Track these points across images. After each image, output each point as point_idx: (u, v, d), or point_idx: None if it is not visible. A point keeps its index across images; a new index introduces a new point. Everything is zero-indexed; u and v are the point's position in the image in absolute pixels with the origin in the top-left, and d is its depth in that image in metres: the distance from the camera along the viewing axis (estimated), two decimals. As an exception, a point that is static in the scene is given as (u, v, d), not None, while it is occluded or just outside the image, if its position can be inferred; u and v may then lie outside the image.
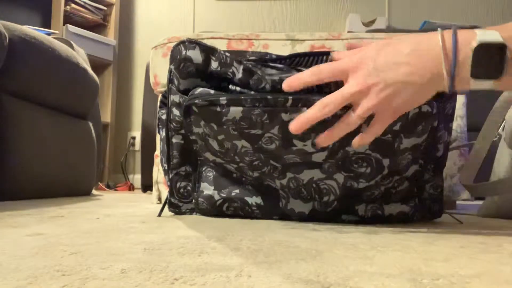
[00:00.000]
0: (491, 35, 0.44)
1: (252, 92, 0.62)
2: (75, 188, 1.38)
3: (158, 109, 0.75)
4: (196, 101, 0.61)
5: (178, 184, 0.70)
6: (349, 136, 0.58)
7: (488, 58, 0.44)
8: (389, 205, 0.64)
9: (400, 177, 0.62)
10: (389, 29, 2.46)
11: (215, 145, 0.63)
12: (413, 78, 0.46)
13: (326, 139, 0.54)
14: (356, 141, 0.54)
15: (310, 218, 0.65)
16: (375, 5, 2.72)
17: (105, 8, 2.68)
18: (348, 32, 2.35)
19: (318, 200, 0.63)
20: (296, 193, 0.63)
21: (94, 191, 1.74)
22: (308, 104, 0.58)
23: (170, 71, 0.68)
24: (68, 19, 2.49)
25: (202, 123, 0.62)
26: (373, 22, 2.57)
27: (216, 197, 0.67)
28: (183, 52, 0.66)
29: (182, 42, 0.66)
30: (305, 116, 0.52)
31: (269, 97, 0.58)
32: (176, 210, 0.71)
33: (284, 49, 1.01)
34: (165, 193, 1.03)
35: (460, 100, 1.01)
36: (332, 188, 0.62)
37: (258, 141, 0.60)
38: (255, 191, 0.66)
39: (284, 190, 0.64)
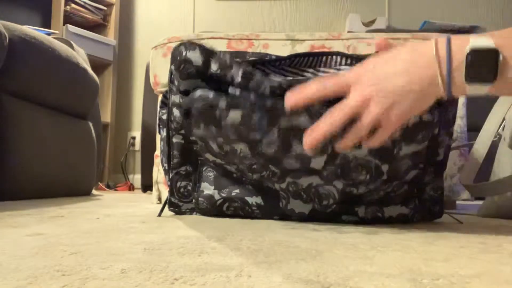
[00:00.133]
0: (483, 41, 0.46)
1: (252, 96, 0.62)
2: (75, 188, 1.38)
3: (158, 109, 0.75)
4: (196, 104, 0.60)
5: (178, 184, 0.70)
6: None
7: (482, 63, 0.45)
8: (389, 208, 0.64)
9: (399, 182, 0.62)
10: (389, 29, 2.46)
11: (215, 147, 0.63)
12: (411, 87, 0.47)
13: (340, 147, 0.55)
14: (364, 144, 0.55)
15: (310, 218, 0.64)
16: (375, 5, 2.72)
17: (105, 8, 2.68)
18: (348, 32, 2.35)
19: (317, 203, 0.63)
20: (296, 195, 0.63)
21: (94, 191, 1.74)
22: (308, 110, 0.57)
23: (170, 72, 0.68)
24: (68, 19, 2.49)
25: (202, 125, 0.62)
26: (373, 22, 2.57)
27: (216, 196, 0.67)
28: (184, 53, 0.66)
29: (183, 43, 0.66)
30: (316, 130, 0.53)
31: (268, 102, 0.58)
32: (176, 209, 0.71)
33: (284, 49, 1.01)
34: (165, 193, 1.03)
35: (460, 100, 1.01)
36: (331, 193, 0.62)
37: (257, 145, 0.60)
38: (255, 191, 0.66)
39: (284, 192, 0.64)
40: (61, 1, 2.44)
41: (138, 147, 2.71)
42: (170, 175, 0.70)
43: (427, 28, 2.32)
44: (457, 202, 1.54)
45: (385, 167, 0.59)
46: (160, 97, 1.01)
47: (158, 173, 1.05)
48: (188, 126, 0.64)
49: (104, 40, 2.59)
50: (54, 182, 1.26)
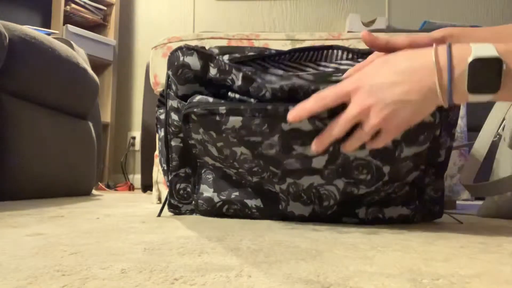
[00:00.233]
0: (486, 49, 0.44)
1: (252, 100, 0.62)
2: (75, 188, 1.38)
3: (156, 108, 0.75)
4: (195, 109, 0.60)
5: (177, 186, 0.70)
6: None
7: (485, 73, 0.44)
8: (389, 208, 0.64)
9: (400, 183, 0.62)
10: (389, 29, 2.46)
11: (214, 151, 0.63)
12: (410, 97, 0.47)
13: (345, 149, 0.55)
14: (367, 146, 0.55)
15: (310, 220, 0.64)
16: (375, 5, 2.72)
17: (105, 8, 2.68)
18: (348, 32, 2.35)
19: (318, 204, 0.63)
20: (296, 197, 0.63)
21: (94, 191, 1.74)
22: None
23: (168, 77, 0.68)
24: (68, 19, 2.49)
25: (201, 130, 0.61)
26: (373, 22, 2.57)
27: (216, 199, 0.67)
28: (181, 58, 0.65)
29: (180, 48, 0.65)
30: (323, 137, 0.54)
31: (269, 107, 0.57)
32: (176, 211, 0.71)
33: (284, 49, 1.01)
34: (165, 193, 1.03)
35: (460, 100, 1.01)
36: (332, 194, 0.61)
37: (257, 147, 0.60)
38: (254, 194, 0.66)
39: (283, 193, 0.64)
40: (61, 1, 2.44)
41: (138, 147, 2.71)
42: (169, 177, 0.70)
43: (427, 28, 2.32)
44: (457, 202, 1.53)
45: (386, 169, 0.59)
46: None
47: (158, 173, 1.05)
48: (187, 131, 0.64)
49: (104, 40, 2.59)
50: (54, 182, 1.26)
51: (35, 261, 0.32)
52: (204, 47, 0.67)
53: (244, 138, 0.59)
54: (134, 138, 2.78)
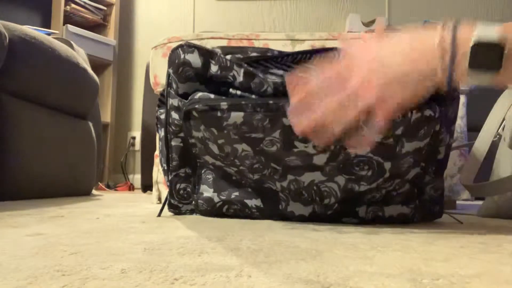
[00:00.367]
0: (489, 32, 0.45)
1: (253, 96, 0.62)
2: (75, 188, 1.38)
3: (156, 108, 0.75)
4: (196, 106, 0.60)
5: (177, 186, 0.70)
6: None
7: (486, 55, 0.45)
8: (390, 207, 0.64)
9: (401, 180, 0.62)
10: (389, 29, 2.46)
11: (215, 149, 0.63)
12: (411, 77, 0.47)
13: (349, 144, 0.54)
14: (360, 144, 0.53)
15: (310, 220, 0.64)
16: (375, 5, 2.72)
17: (105, 8, 2.68)
18: (348, 32, 2.35)
19: (318, 202, 0.63)
20: (297, 195, 0.63)
21: (94, 191, 1.74)
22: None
23: (168, 75, 0.68)
24: (68, 19, 2.49)
25: (202, 127, 0.61)
26: (373, 22, 2.57)
27: (216, 199, 0.67)
28: (182, 56, 0.65)
29: (181, 46, 0.65)
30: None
31: (270, 102, 0.58)
32: (176, 211, 0.71)
33: (284, 49, 1.01)
34: (165, 193, 1.03)
35: (460, 100, 1.01)
36: (333, 191, 0.62)
37: (259, 144, 0.60)
38: (254, 194, 0.66)
39: (284, 192, 0.64)
40: (61, 1, 2.44)
41: (138, 147, 2.71)
42: (169, 177, 0.70)
43: (427, 28, 2.31)
44: (457, 202, 1.53)
45: (387, 165, 0.59)
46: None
47: (158, 173, 1.05)
48: (188, 129, 0.64)
49: (104, 40, 2.59)
50: (54, 182, 1.26)
51: (35, 261, 0.32)
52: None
53: (245, 134, 0.59)
54: (134, 138, 2.78)
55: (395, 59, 0.48)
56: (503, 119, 0.80)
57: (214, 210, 0.67)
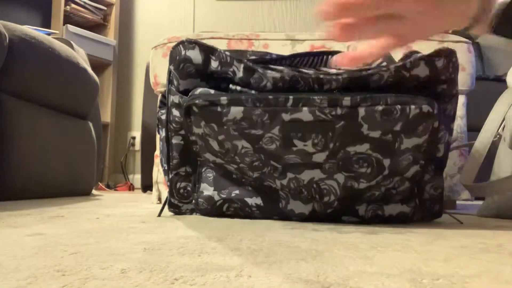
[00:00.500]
0: None
1: (253, 92, 0.62)
2: (75, 188, 1.38)
3: (158, 109, 0.75)
4: (197, 101, 0.61)
5: (178, 185, 0.70)
6: (349, 136, 0.58)
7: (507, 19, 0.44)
8: (389, 206, 0.64)
9: (400, 178, 0.62)
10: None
11: (215, 145, 0.63)
12: None
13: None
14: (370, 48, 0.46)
15: (310, 219, 0.64)
16: (375, 5, 2.71)
17: (105, 8, 2.68)
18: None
19: (318, 200, 0.63)
20: (296, 193, 0.63)
21: (94, 191, 1.74)
22: (309, 104, 0.58)
23: (169, 72, 0.68)
24: (68, 19, 2.49)
25: (203, 123, 0.62)
26: (373, 22, 2.57)
27: (216, 197, 0.67)
28: (183, 53, 0.66)
29: (182, 42, 0.66)
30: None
31: (270, 97, 0.58)
32: (176, 210, 0.71)
33: (284, 49, 1.01)
34: (165, 193, 1.03)
35: (460, 100, 1.01)
36: (332, 189, 0.62)
37: (258, 141, 0.60)
38: (255, 192, 0.66)
39: (284, 190, 0.64)
40: (61, 1, 2.44)
41: (138, 147, 2.71)
42: (170, 176, 0.70)
43: (427, 28, 2.31)
44: (457, 202, 1.53)
45: (386, 162, 0.60)
46: (159, 97, 1.01)
47: (158, 173, 1.05)
48: (189, 125, 0.64)
49: (104, 40, 2.59)
50: (54, 182, 1.26)
51: (35, 261, 0.32)
52: None
53: (245, 131, 0.59)
54: (134, 138, 2.78)
55: None
56: (503, 119, 0.80)
57: (214, 209, 0.67)
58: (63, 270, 0.29)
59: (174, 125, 0.68)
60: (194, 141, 0.66)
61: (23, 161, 1.12)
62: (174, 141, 0.69)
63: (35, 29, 1.57)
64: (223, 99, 0.59)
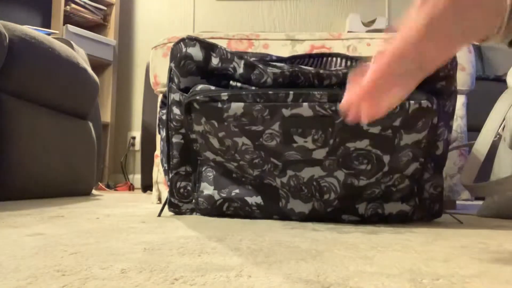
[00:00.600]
0: None
1: (253, 88, 0.63)
2: (75, 188, 1.38)
3: (158, 109, 0.75)
4: (197, 97, 0.61)
5: (178, 184, 0.70)
6: (349, 132, 0.59)
7: None
8: (389, 204, 0.64)
9: (400, 175, 0.63)
10: (389, 29, 2.46)
11: (215, 143, 0.63)
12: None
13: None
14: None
15: (310, 218, 0.65)
16: (375, 5, 2.72)
17: (105, 8, 2.68)
18: (348, 32, 2.35)
19: (318, 198, 0.63)
20: (296, 192, 0.63)
21: (94, 191, 1.74)
22: (309, 99, 0.58)
23: (170, 70, 0.68)
24: (68, 19, 2.49)
25: (203, 120, 0.62)
26: (373, 22, 2.57)
27: (216, 197, 0.67)
28: (183, 50, 0.66)
29: (182, 39, 0.66)
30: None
31: (270, 92, 0.58)
32: (176, 210, 0.71)
33: (284, 49, 1.01)
34: (165, 193, 1.03)
35: (460, 100, 1.01)
36: (332, 186, 0.62)
37: (258, 138, 0.60)
38: (255, 191, 0.66)
39: (284, 189, 0.64)
40: (61, 1, 2.44)
41: (138, 147, 2.71)
42: (170, 176, 0.70)
43: (427, 28, 2.31)
44: (457, 202, 1.53)
45: (386, 158, 0.60)
46: (160, 97, 1.01)
47: (158, 173, 1.05)
48: (189, 123, 0.64)
49: (104, 40, 2.59)
50: (54, 182, 1.26)
51: (35, 261, 0.32)
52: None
53: (245, 127, 0.60)
54: (134, 138, 2.77)
55: None
56: (503, 119, 0.80)
57: (214, 208, 0.67)
58: (63, 270, 0.29)
59: (174, 123, 0.68)
60: (194, 139, 0.67)
61: (23, 161, 1.12)
62: (174, 140, 0.69)
63: (35, 29, 1.57)
64: (224, 95, 0.60)
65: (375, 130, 0.58)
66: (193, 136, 0.66)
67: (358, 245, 0.42)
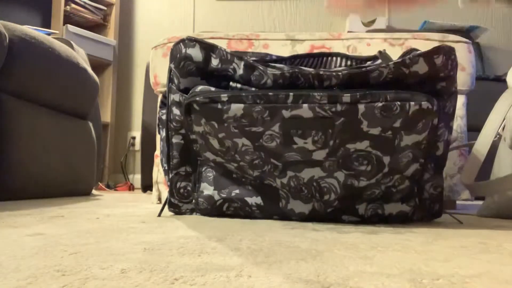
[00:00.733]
0: None
1: (253, 89, 0.63)
2: (75, 188, 1.38)
3: (158, 109, 0.75)
4: (197, 98, 0.61)
5: (178, 184, 0.70)
6: (349, 133, 0.58)
7: None
8: (389, 205, 0.64)
9: (400, 176, 0.63)
10: (389, 29, 2.46)
11: (215, 143, 0.63)
12: None
13: None
14: None
15: (310, 218, 0.65)
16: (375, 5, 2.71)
17: (105, 8, 2.68)
18: (348, 32, 2.35)
19: (318, 199, 0.63)
20: (296, 192, 0.63)
21: (94, 191, 1.74)
22: (309, 100, 0.58)
23: (170, 70, 0.68)
24: (68, 19, 2.49)
25: (203, 121, 0.62)
26: (373, 22, 2.57)
27: (216, 197, 0.67)
28: (183, 51, 0.66)
29: (182, 40, 0.66)
30: None
31: (270, 93, 0.58)
32: (176, 210, 0.71)
33: (284, 49, 1.01)
34: (165, 193, 1.03)
35: (460, 100, 1.01)
36: (332, 187, 0.62)
37: (258, 139, 0.60)
38: (255, 191, 0.66)
39: (284, 189, 0.64)
40: (61, 1, 2.44)
41: (138, 147, 2.71)
42: (170, 176, 0.70)
43: (427, 28, 2.32)
44: (457, 202, 1.53)
45: (386, 159, 0.60)
46: (160, 97, 1.01)
47: (158, 173, 1.05)
48: (189, 123, 0.64)
49: (104, 40, 2.59)
50: (54, 182, 1.26)
51: (35, 261, 0.32)
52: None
53: (245, 128, 0.60)
54: (134, 138, 2.77)
55: None
56: (504, 119, 0.80)
57: (214, 209, 0.67)
58: (63, 270, 0.29)
59: (174, 124, 0.68)
60: (194, 140, 0.66)
61: (23, 161, 1.12)
62: (174, 140, 0.69)
63: (35, 29, 1.57)
64: (224, 96, 0.59)
65: (375, 131, 0.58)
66: (193, 136, 0.66)
67: (358, 245, 0.42)
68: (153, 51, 1.08)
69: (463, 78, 1.00)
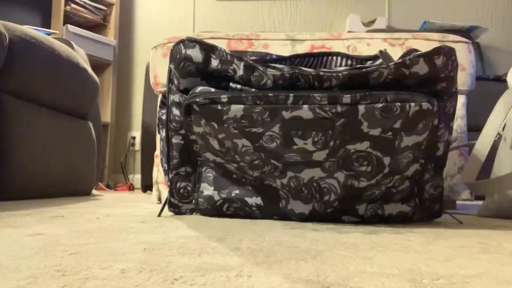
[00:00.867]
0: None
1: (253, 90, 0.62)
2: (75, 188, 1.38)
3: (158, 109, 0.75)
4: (197, 99, 0.61)
5: (178, 185, 0.70)
6: (349, 134, 0.58)
7: None
8: (389, 205, 0.64)
9: (400, 176, 0.63)
10: (389, 29, 2.46)
11: (215, 144, 0.63)
12: None
13: None
14: None
15: (310, 218, 0.65)
16: (375, 5, 2.72)
17: (105, 8, 2.68)
18: (348, 32, 2.35)
19: (318, 199, 0.63)
20: (297, 193, 0.63)
21: (94, 191, 1.74)
22: (309, 101, 0.58)
23: (170, 71, 0.68)
24: (68, 19, 2.49)
25: (203, 122, 0.62)
26: (373, 22, 2.57)
27: (216, 197, 0.67)
28: (183, 51, 0.66)
29: (182, 41, 0.66)
30: None
31: (270, 94, 0.58)
32: (176, 210, 0.71)
33: (284, 49, 1.01)
34: (165, 193, 1.03)
35: (460, 100, 1.01)
36: (332, 187, 0.62)
37: (258, 139, 0.60)
38: (255, 192, 0.66)
39: (284, 190, 0.64)
40: (61, 1, 2.44)
41: (138, 147, 2.71)
42: (170, 176, 0.70)
43: (427, 28, 2.32)
44: (457, 202, 1.53)
45: (386, 160, 0.60)
46: (159, 97, 1.01)
47: (158, 173, 1.05)
48: (189, 124, 0.64)
49: (104, 40, 2.59)
50: (54, 182, 1.26)
51: (35, 261, 0.32)
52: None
53: (245, 129, 0.60)
54: (134, 138, 2.78)
55: None
56: (504, 119, 0.80)
57: (214, 209, 0.67)
58: (63, 270, 0.29)
59: (174, 124, 0.68)
60: (194, 140, 0.66)
61: (23, 161, 1.12)
62: (174, 140, 0.69)
63: (35, 29, 1.57)
64: (224, 97, 0.59)
65: (376, 132, 0.58)
66: (193, 137, 0.66)
67: (358, 245, 0.42)
68: (153, 51, 1.08)
69: (463, 78, 1.00)
